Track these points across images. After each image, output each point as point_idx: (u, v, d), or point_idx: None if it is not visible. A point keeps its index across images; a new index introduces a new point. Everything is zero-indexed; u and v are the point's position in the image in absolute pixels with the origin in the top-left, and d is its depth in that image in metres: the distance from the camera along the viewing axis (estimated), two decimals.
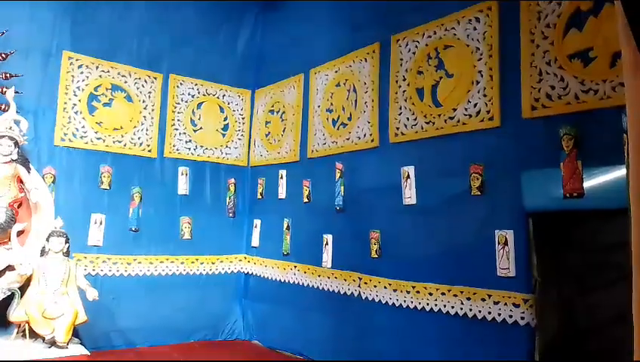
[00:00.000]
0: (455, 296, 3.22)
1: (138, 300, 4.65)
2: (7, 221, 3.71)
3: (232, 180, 5.41)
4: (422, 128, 3.59)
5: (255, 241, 5.27)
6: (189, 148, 5.16)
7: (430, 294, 3.36)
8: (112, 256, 4.58)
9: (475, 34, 3.32)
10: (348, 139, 4.22)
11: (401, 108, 3.76)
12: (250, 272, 5.28)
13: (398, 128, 3.76)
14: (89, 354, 3.55)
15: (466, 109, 3.31)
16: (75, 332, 3.70)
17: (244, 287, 5.34)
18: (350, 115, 4.25)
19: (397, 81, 3.82)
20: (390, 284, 3.65)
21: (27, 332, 3.56)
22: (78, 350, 3.54)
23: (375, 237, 3.80)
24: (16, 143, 3.81)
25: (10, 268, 3.74)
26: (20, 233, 3.86)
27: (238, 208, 5.42)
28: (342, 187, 4.21)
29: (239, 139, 5.53)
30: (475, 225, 3.17)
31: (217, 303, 5.16)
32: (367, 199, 3.98)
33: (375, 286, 3.77)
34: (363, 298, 3.87)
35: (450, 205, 3.33)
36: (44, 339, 3.49)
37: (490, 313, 3.02)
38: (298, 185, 4.74)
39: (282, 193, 4.97)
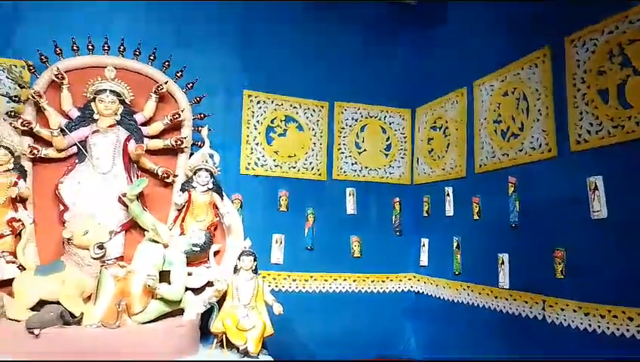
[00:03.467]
0: None
1: (316, 315, 4.92)
2: (206, 242, 4.23)
3: (397, 199, 5.47)
4: (609, 133, 3.23)
5: (424, 260, 5.22)
6: (355, 170, 5.38)
7: (630, 319, 2.97)
8: (291, 273, 4.96)
9: None
10: (520, 150, 3.99)
11: (581, 113, 3.44)
12: (420, 291, 5.24)
13: (580, 135, 3.44)
14: None
15: None
16: (263, 344, 4.02)
17: (415, 306, 5.30)
18: (522, 124, 4.01)
19: (575, 85, 3.52)
20: (580, 307, 3.31)
21: (224, 342, 3.97)
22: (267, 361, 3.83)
23: (559, 256, 3.50)
24: (211, 174, 4.33)
25: (209, 284, 4.24)
26: (216, 253, 4.34)
27: (404, 226, 5.45)
28: (516, 202, 3.97)
29: (402, 158, 5.59)
30: None
31: (390, 321, 5.23)
32: (546, 214, 3.68)
33: (562, 310, 3.45)
34: (548, 321, 3.57)
35: None
36: (238, 349, 3.82)
37: None
38: (466, 202, 4.60)
39: (449, 210, 4.86)
